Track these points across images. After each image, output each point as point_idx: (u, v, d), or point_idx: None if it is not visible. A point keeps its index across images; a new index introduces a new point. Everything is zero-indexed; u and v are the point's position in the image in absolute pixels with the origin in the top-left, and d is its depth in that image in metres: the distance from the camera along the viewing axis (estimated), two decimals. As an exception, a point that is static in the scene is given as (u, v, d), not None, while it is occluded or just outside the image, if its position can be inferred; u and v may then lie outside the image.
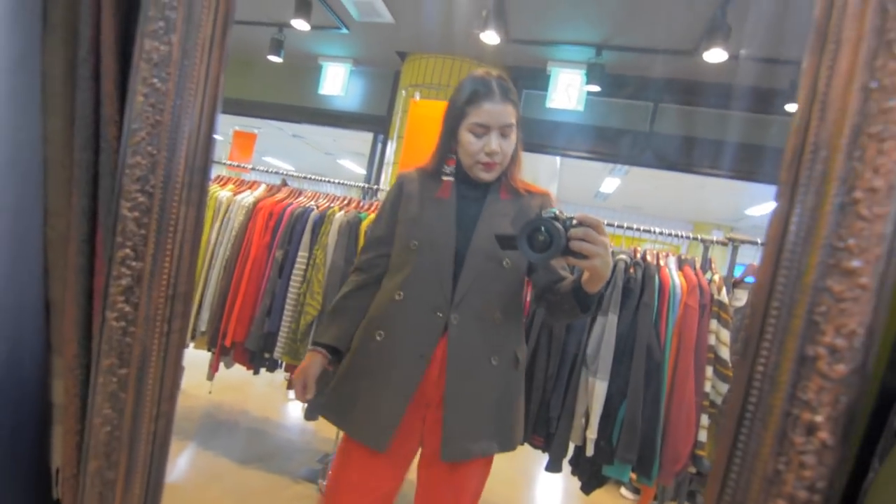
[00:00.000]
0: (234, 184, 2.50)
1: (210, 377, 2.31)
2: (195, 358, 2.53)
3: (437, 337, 0.99)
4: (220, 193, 2.36)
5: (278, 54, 4.11)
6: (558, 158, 5.64)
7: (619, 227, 1.93)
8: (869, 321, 0.36)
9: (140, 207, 0.53)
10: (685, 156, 3.72)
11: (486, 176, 1.05)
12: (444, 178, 1.09)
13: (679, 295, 1.69)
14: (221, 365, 2.32)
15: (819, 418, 0.37)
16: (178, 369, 0.58)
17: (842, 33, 0.38)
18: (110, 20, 0.57)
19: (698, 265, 1.79)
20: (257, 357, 2.20)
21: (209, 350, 2.28)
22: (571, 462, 1.85)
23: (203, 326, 2.25)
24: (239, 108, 5.23)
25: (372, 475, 1.02)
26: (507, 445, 1.05)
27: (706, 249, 1.84)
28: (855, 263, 0.36)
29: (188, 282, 0.56)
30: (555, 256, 0.86)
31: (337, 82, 4.51)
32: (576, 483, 1.88)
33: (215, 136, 0.57)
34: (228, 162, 2.89)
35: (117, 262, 0.53)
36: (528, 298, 1.92)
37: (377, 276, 1.11)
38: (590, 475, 1.84)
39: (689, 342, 1.68)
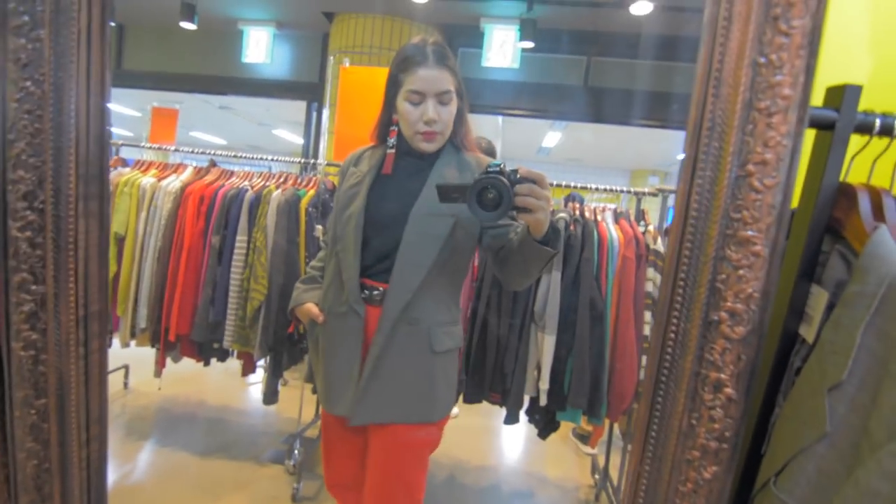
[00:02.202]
0: (157, 168, 2.33)
1: (158, 374, 2.22)
2: (140, 355, 2.42)
3: (363, 307, 1.03)
4: (142, 180, 2.19)
5: (192, 20, 3.77)
6: (499, 117, 5.63)
7: (562, 185, 1.97)
8: (763, 285, 0.39)
9: (32, 226, 0.48)
10: (620, 108, 3.81)
11: (427, 146, 1.02)
12: (388, 150, 1.06)
13: (617, 248, 1.77)
14: (169, 360, 2.24)
15: (724, 376, 0.41)
16: (103, 390, 0.55)
17: (733, 8, 0.39)
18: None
19: (632, 217, 1.87)
20: (206, 348, 2.13)
21: (153, 346, 2.18)
22: (528, 412, 1.95)
23: (143, 323, 2.14)
24: (156, 82, 4.81)
25: (341, 438, 1.12)
26: (426, 416, 1.04)
27: (639, 201, 1.92)
28: (750, 233, 0.39)
29: (101, 299, 0.53)
30: (505, 214, 0.86)
31: (261, 48, 4.22)
32: (533, 430, 1.99)
33: (109, 135, 0.52)
34: (149, 145, 2.67)
35: (15, 287, 0.49)
36: (476, 264, 1.95)
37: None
38: (545, 422, 1.95)
39: (628, 291, 1.78)
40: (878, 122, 0.53)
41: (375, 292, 1.02)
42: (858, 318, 0.49)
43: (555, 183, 1.96)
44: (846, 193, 0.55)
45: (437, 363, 1.05)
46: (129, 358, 2.77)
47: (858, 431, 0.47)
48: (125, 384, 2.89)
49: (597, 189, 1.96)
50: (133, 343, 2.21)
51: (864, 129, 0.54)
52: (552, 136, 7.20)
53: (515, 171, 0.88)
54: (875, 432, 0.44)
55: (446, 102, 1.00)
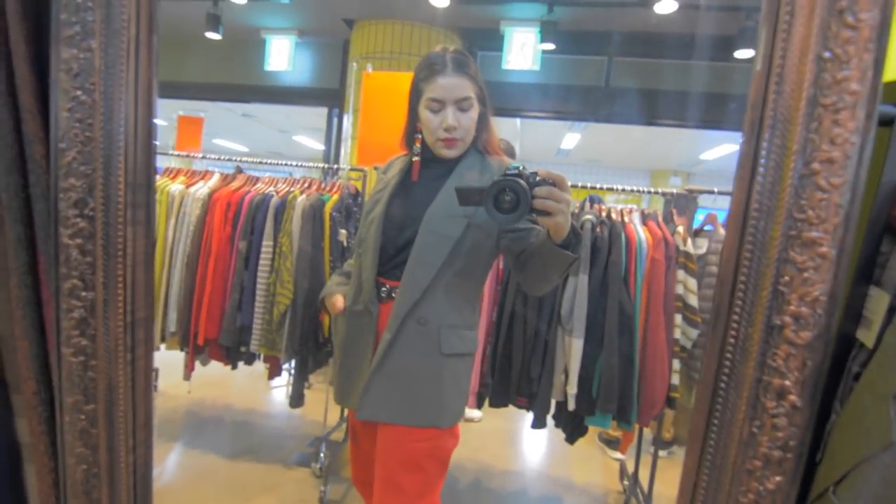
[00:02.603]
0: (185, 175, 2.38)
1: (187, 377, 2.26)
2: (169, 358, 2.47)
3: (377, 305, 1.06)
4: (171, 187, 2.24)
5: (216, 30, 3.85)
6: (518, 119, 5.60)
7: (584, 187, 1.95)
8: (830, 288, 0.37)
9: (82, 234, 0.49)
10: (641, 108, 3.75)
11: (448, 152, 1.04)
12: (414, 158, 1.09)
13: (645, 249, 1.74)
14: (197, 363, 2.27)
15: (788, 383, 0.39)
16: (149, 396, 0.56)
17: (795, 1, 0.37)
18: (19, 23, 0.51)
19: (660, 218, 1.83)
20: (233, 352, 2.16)
21: (182, 350, 2.22)
22: (555, 417, 1.93)
23: (172, 327, 2.18)
24: (181, 91, 4.92)
25: (364, 433, 1.15)
26: (432, 420, 1.01)
27: (667, 202, 1.88)
28: (815, 234, 0.37)
29: (147, 306, 0.53)
30: (522, 218, 0.85)
31: (283, 56, 4.28)
32: (559, 434, 1.96)
33: (154, 141, 0.53)
34: (176, 153, 2.73)
35: (65, 293, 0.50)
36: (501, 267, 1.94)
37: None
38: (573, 427, 1.92)
39: (657, 294, 1.74)
40: (942, 116, 0.50)
41: (386, 289, 1.05)
42: (927, 322, 0.46)
43: (578, 185, 1.93)
44: (908, 191, 0.52)
45: (446, 366, 1.03)
46: (160, 361, 2.78)
47: (930, 442, 0.44)
48: (155, 387, 2.95)
49: (622, 190, 1.92)
50: (163, 347, 2.25)
51: (927, 123, 0.51)
52: (571, 137, 7.13)
53: (535, 174, 0.87)
54: (950, 443, 0.41)
55: (466, 109, 1.02)
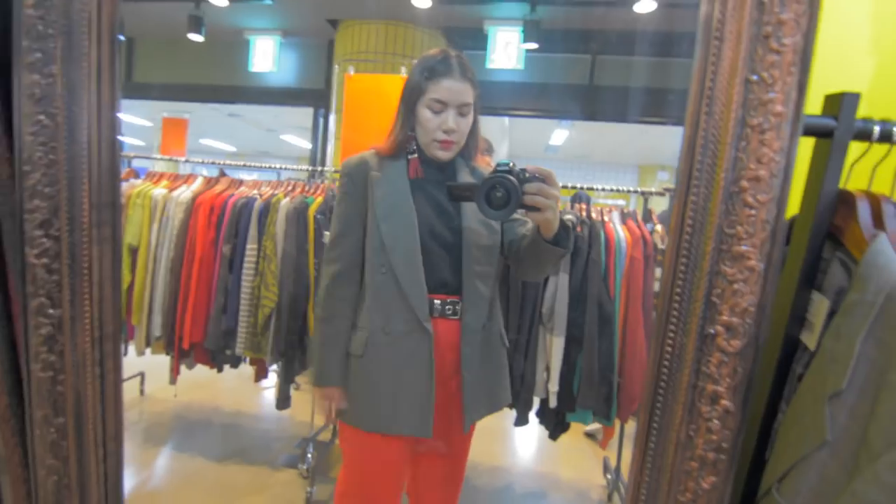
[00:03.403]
0: (168, 179, 2.37)
1: (172, 381, 2.26)
2: (156, 362, 2.46)
3: (430, 323, 1.01)
4: (154, 192, 2.23)
5: (199, 32, 3.82)
6: (506, 118, 5.62)
7: (568, 186, 1.97)
8: (758, 299, 0.40)
9: (48, 253, 0.50)
10: (626, 106, 3.78)
11: (443, 154, 1.04)
12: (410, 156, 1.07)
13: (624, 248, 1.77)
14: (183, 367, 2.27)
15: (721, 388, 0.41)
16: (118, 408, 0.57)
17: (724, 28, 0.40)
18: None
19: (640, 217, 1.86)
20: (219, 355, 2.16)
21: (167, 354, 2.22)
22: (538, 414, 1.95)
23: (157, 331, 2.18)
24: (166, 92, 4.88)
25: (395, 461, 1.07)
26: (507, 399, 1.15)
27: (646, 201, 1.91)
28: (744, 248, 0.39)
29: (115, 320, 0.55)
30: (513, 213, 0.88)
31: (267, 57, 4.26)
32: (545, 430, 1.99)
33: (119, 165, 0.54)
34: (160, 156, 2.72)
35: (33, 311, 0.51)
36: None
37: (353, 268, 1.07)
38: (555, 423, 1.95)
39: (636, 292, 1.77)
40: (876, 129, 0.53)
41: (445, 306, 1.03)
42: (857, 327, 0.49)
43: (562, 185, 1.96)
44: (845, 201, 0.55)
45: (504, 357, 1.13)
46: (145, 366, 2.82)
47: (859, 440, 0.47)
48: (141, 391, 2.94)
49: (603, 189, 1.95)
50: (148, 351, 2.25)
51: (863, 136, 0.54)
52: (560, 133, 7.16)
53: (524, 170, 0.90)
54: (873, 442, 0.44)
55: (465, 114, 1.03)
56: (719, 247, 0.40)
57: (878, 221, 0.53)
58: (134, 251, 2.22)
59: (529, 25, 3.39)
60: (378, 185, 1.04)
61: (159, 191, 2.23)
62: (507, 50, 3.53)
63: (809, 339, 0.58)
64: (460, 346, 1.04)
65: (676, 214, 0.43)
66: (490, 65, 3.64)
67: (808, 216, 0.56)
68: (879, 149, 0.57)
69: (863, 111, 0.56)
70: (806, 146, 0.56)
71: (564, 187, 1.98)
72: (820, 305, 0.57)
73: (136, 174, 2.51)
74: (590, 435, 2.78)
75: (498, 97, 3.96)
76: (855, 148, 0.57)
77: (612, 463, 2.34)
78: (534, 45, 3.46)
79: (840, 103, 0.53)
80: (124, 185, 2.33)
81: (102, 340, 0.54)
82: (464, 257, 1.03)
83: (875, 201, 0.54)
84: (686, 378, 0.41)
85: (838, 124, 0.53)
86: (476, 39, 3.68)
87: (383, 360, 1.01)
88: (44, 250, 0.50)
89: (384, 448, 1.04)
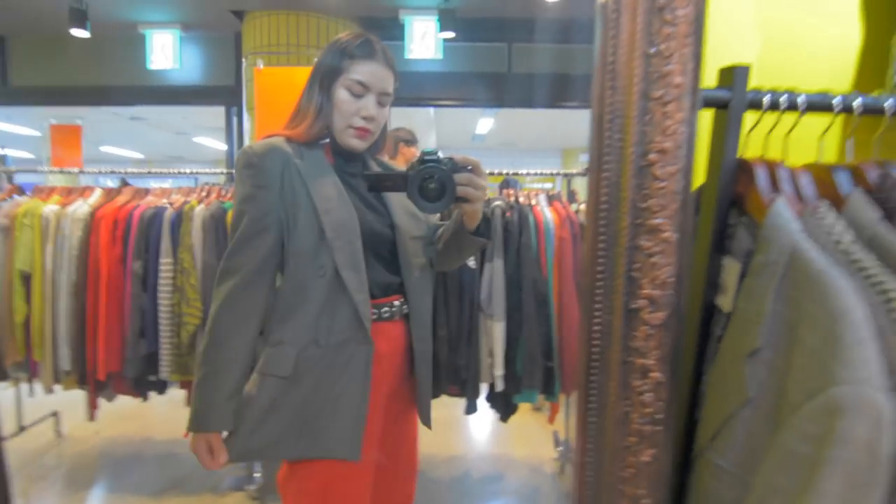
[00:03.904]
0: (59, 194, 2.12)
1: (91, 417, 2.05)
2: (70, 398, 2.22)
3: (370, 321, 0.92)
4: (44, 209, 1.99)
5: (83, 27, 3.44)
6: (431, 109, 5.60)
7: (495, 172, 1.99)
8: (676, 270, 0.40)
9: None
10: (545, 92, 3.89)
11: (357, 144, 0.95)
12: (325, 141, 0.97)
13: (553, 229, 1.82)
14: (103, 400, 2.07)
15: (650, 361, 0.41)
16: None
17: (620, 1, 0.39)
18: None
19: (564, 198, 1.92)
20: (142, 382, 1.99)
21: (81, 388, 2.01)
22: (487, 399, 1.98)
23: (66, 365, 1.96)
24: (51, 97, 4.37)
25: (363, 482, 0.94)
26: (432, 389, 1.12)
27: (569, 182, 1.97)
28: (657, 220, 0.39)
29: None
30: (449, 206, 0.84)
31: (167, 53, 3.93)
32: (495, 413, 2.02)
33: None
34: (49, 168, 2.43)
35: None
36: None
37: (259, 276, 0.91)
38: (504, 406, 1.98)
39: (567, 269, 1.83)
40: (766, 98, 0.56)
41: (392, 308, 0.96)
42: (766, 286, 0.51)
43: (490, 171, 1.97)
44: (745, 169, 0.57)
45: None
46: (58, 404, 2.55)
47: (778, 394, 0.50)
48: (58, 432, 2.65)
49: (528, 174, 1.99)
50: (59, 387, 2.02)
51: (755, 106, 0.57)
52: (485, 122, 7.27)
53: (451, 159, 0.86)
54: (791, 394, 0.46)
55: (384, 104, 0.96)
56: (634, 222, 0.40)
57: (775, 186, 0.56)
58: (27, 278, 1.98)
59: (445, 14, 3.38)
60: (307, 174, 0.91)
61: (50, 207, 1.99)
62: (424, 40, 3.49)
63: (724, 301, 0.61)
64: (413, 344, 1.00)
65: (591, 193, 0.42)
66: (409, 55, 3.60)
67: (712, 186, 0.58)
68: (770, 117, 0.61)
69: (759, 82, 0.59)
70: (705, 119, 0.58)
71: (492, 174, 2.00)
72: (731, 269, 0.59)
73: (21, 190, 2.23)
74: (537, 408, 2.86)
75: (419, 87, 3.92)
76: (750, 118, 0.60)
77: (562, 435, 2.43)
78: (451, 35, 3.46)
79: (733, 75, 0.56)
80: (8, 205, 2.06)
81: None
82: (401, 252, 0.97)
83: (771, 167, 0.57)
84: (616, 355, 0.41)
85: (732, 96, 0.55)
86: (391, 29, 3.61)
87: (316, 377, 0.89)
88: None
89: (348, 473, 0.91)
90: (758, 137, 0.63)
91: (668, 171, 0.39)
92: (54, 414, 2.66)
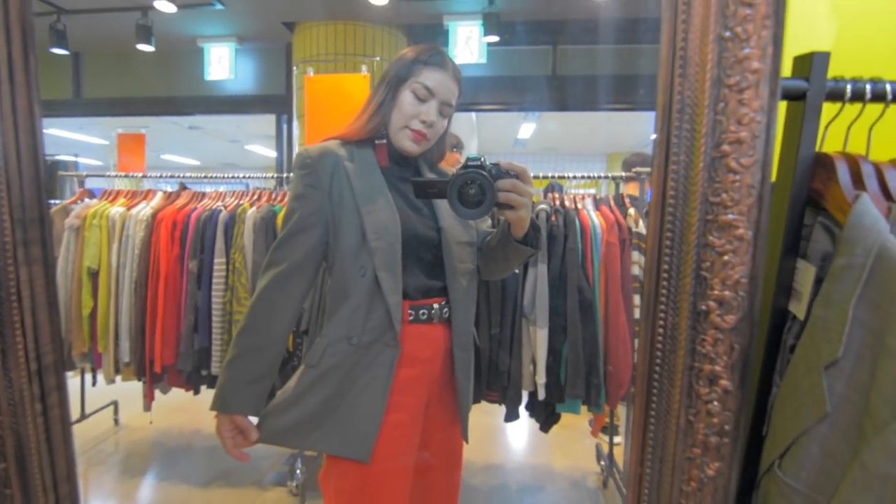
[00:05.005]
0: (125, 197, 2.26)
1: (147, 407, 2.16)
2: (128, 390, 2.35)
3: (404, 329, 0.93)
4: (111, 211, 2.12)
5: (148, 42, 3.67)
6: (473, 113, 5.61)
7: (537, 177, 1.96)
8: (750, 270, 0.37)
9: (-33, 280, 0.44)
10: (590, 94, 3.81)
11: (411, 147, 0.95)
12: (378, 142, 0.98)
13: (600, 234, 1.76)
14: (158, 391, 2.17)
15: (718, 367, 0.39)
16: (69, 447, 0.51)
17: (692, -17, 0.37)
18: None
19: (612, 202, 1.86)
20: (194, 376, 2.07)
21: (139, 380, 2.12)
22: (527, 407, 1.94)
23: (126, 357, 2.07)
24: (118, 107, 4.69)
25: (399, 487, 0.93)
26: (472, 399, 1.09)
27: (618, 186, 1.91)
28: (731, 216, 0.37)
29: (55, 350, 0.49)
30: (488, 212, 0.82)
31: (223, 64, 4.13)
32: (536, 423, 1.98)
33: (45, 175, 0.48)
34: (115, 173, 2.60)
35: (-45, 347, 0.45)
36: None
37: (300, 271, 0.93)
38: (546, 415, 1.94)
39: (615, 276, 1.77)
40: (849, 87, 0.52)
41: (431, 310, 0.95)
42: (849, 292, 0.47)
43: (533, 175, 1.94)
44: (823, 164, 0.53)
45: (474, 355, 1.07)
46: (117, 394, 2.70)
47: (860, 409, 0.45)
48: (116, 420, 2.81)
49: (574, 177, 1.95)
50: (119, 378, 2.14)
51: (836, 96, 0.53)
52: (527, 127, 7.20)
53: (497, 165, 0.85)
54: (877, 410, 0.42)
55: (445, 115, 0.98)
56: (705, 217, 0.38)
57: (858, 182, 0.52)
58: (94, 275, 2.11)
59: (489, 18, 3.38)
60: (354, 176, 0.92)
61: (117, 209, 2.12)
62: (468, 45, 3.50)
63: (798, 308, 0.57)
64: (452, 350, 0.98)
65: (657, 187, 0.40)
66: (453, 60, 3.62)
67: (786, 182, 0.54)
68: (852, 109, 0.56)
69: (832, 72, 0.54)
70: (778, 111, 0.55)
71: (536, 177, 1.97)
72: (806, 273, 0.55)
73: (91, 194, 2.39)
74: (590, 421, 2.76)
75: (463, 92, 3.93)
76: (827, 110, 0.56)
77: (605, 449, 2.34)
78: (494, 39, 3.45)
79: (810, 64, 0.52)
80: (78, 207, 2.21)
81: (42, 373, 0.48)
82: (445, 256, 0.96)
83: (853, 162, 0.53)
84: (681, 360, 0.39)
85: (810, 85, 0.51)
86: (436, 35, 3.65)
87: (342, 373, 0.90)
88: (-39, 278, 0.44)
89: (385, 476, 0.91)
90: (834, 132, 0.59)
91: (744, 162, 0.36)
92: (113, 403, 2.81)
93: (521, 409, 1.90)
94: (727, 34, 0.36)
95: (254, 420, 0.95)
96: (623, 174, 1.92)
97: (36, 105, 0.47)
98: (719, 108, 0.37)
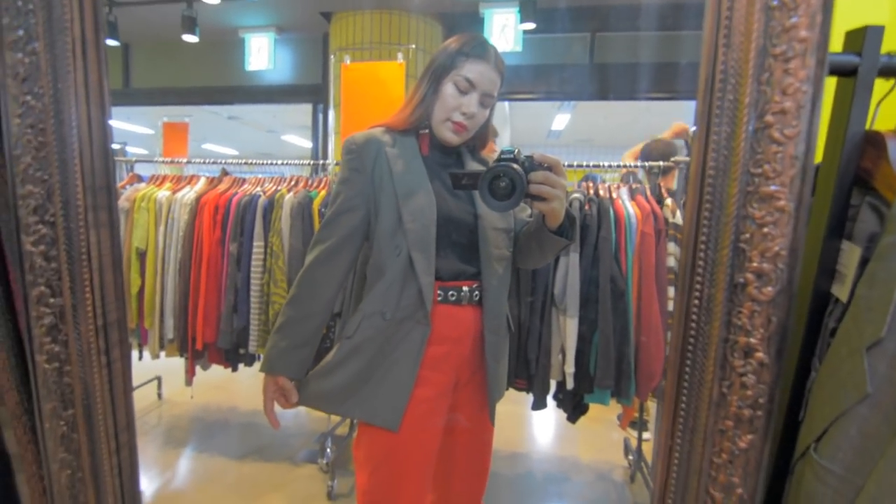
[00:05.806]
0: (171, 182, 2.36)
1: (189, 382, 2.27)
2: (171, 366, 2.48)
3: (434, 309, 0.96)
4: (158, 194, 2.23)
5: (193, 32, 3.80)
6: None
7: (575, 166, 1.94)
8: (790, 242, 0.37)
9: (45, 240, 0.49)
10: (627, 83, 3.72)
11: (452, 137, 0.99)
12: (422, 132, 1.01)
13: (635, 224, 1.74)
14: (199, 368, 2.28)
15: (754, 340, 0.39)
16: (128, 398, 0.56)
17: (739, -49, 0.37)
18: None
19: (649, 192, 1.82)
20: (232, 354, 2.16)
21: (181, 356, 2.23)
22: (555, 397, 1.94)
23: (170, 333, 2.18)
24: (164, 97, 4.89)
25: (424, 459, 0.98)
26: (505, 385, 1.13)
27: (654, 176, 1.87)
28: (773, 188, 0.37)
29: (119, 308, 0.53)
30: (518, 205, 0.84)
31: (263, 55, 4.24)
32: (563, 414, 1.97)
33: (111, 146, 0.52)
34: (162, 159, 2.72)
35: (34, 301, 0.50)
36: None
37: (342, 249, 0.99)
38: (574, 405, 1.93)
39: (649, 267, 1.74)
40: (904, 62, 0.50)
41: (461, 293, 0.97)
42: (895, 271, 0.46)
43: (568, 164, 1.92)
44: (873, 142, 0.52)
45: (509, 341, 1.11)
46: (161, 369, 2.84)
47: (904, 390, 0.44)
48: (159, 395, 2.96)
49: (610, 166, 1.92)
50: (163, 354, 2.26)
51: (889, 72, 0.51)
52: (561, 118, 7.09)
53: (530, 158, 0.86)
54: (921, 389, 0.41)
55: (486, 105, 0.99)
56: (745, 189, 0.38)
57: (911, 160, 0.50)
58: (142, 254, 2.22)
59: (525, 5, 3.34)
60: (395, 161, 0.97)
61: (163, 193, 2.23)
62: (504, 33, 3.47)
63: (841, 291, 0.55)
64: (483, 332, 1.00)
65: (697, 158, 0.40)
66: (488, 49, 3.60)
67: (833, 161, 0.53)
68: (905, 85, 0.54)
69: (884, 47, 0.53)
70: (827, 87, 0.53)
71: (570, 167, 1.94)
72: (851, 254, 0.54)
73: (140, 179, 2.51)
74: (630, 424, 2.73)
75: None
76: (878, 86, 0.54)
77: (633, 443, 2.32)
78: (531, 26, 3.41)
79: (863, 38, 0.50)
80: (129, 190, 2.33)
81: (107, 328, 0.53)
82: (481, 241, 0.99)
83: (906, 140, 0.51)
84: (716, 331, 0.39)
85: (862, 60, 0.50)
86: (472, 23, 3.64)
87: (376, 346, 0.94)
88: (40, 237, 0.48)
89: (411, 446, 0.96)
90: (885, 109, 0.57)
91: (788, 133, 0.36)
92: (157, 378, 2.97)
93: (549, 399, 1.91)
94: (775, 3, 0.36)
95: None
96: (661, 163, 1.88)
97: (105, 80, 0.51)
98: (764, 78, 0.37)
